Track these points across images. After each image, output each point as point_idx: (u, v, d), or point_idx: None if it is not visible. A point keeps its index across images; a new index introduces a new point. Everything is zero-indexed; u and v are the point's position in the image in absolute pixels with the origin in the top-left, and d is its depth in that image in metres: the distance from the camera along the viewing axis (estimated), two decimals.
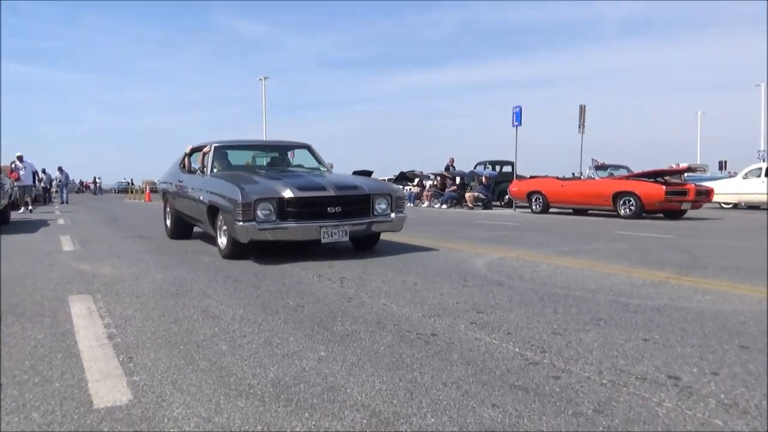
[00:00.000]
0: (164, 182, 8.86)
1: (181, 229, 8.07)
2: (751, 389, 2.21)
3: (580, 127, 17.09)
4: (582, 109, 17.07)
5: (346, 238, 5.87)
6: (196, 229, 7.84)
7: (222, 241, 6.07)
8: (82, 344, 2.89)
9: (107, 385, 2.31)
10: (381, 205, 6.15)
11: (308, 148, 7.95)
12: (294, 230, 5.65)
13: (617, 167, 15.39)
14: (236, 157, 7.87)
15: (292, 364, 2.55)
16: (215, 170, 6.90)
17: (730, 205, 16.76)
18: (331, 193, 5.84)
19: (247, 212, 5.47)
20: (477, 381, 2.32)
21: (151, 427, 1.93)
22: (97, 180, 56.30)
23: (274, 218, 5.61)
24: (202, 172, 7.03)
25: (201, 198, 6.58)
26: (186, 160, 7.97)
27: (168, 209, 8.51)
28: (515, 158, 17.75)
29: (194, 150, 7.83)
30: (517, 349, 2.74)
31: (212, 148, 7.16)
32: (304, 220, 5.70)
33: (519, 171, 17.86)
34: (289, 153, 8.20)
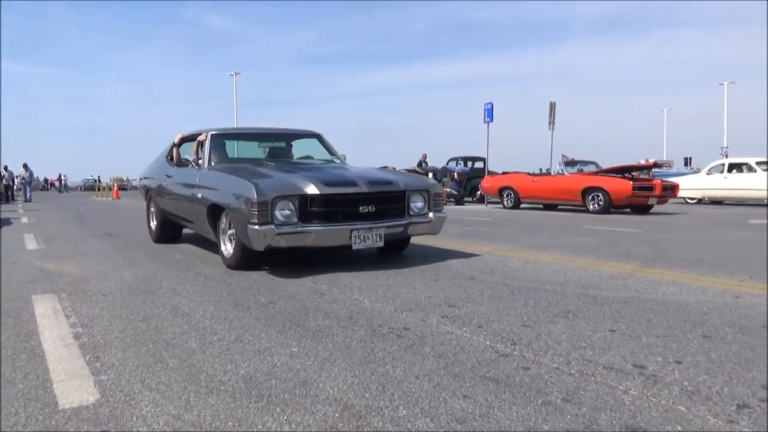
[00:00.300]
0: (147, 177, 7.76)
1: (169, 231, 7.10)
2: (713, 377, 2.28)
3: (550, 123, 17.32)
4: (552, 106, 17.31)
5: (381, 243, 4.96)
6: (185, 230, 7.11)
7: (227, 248, 5.12)
8: (46, 344, 2.82)
9: (73, 385, 2.26)
10: (417, 204, 5.30)
11: (318, 137, 6.91)
12: (320, 234, 4.69)
13: (586, 163, 15.69)
14: (235, 148, 6.82)
15: (263, 360, 2.54)
16: (213, 162, 5.91)
17: (695, 200, 17.20)
18: (363, 189, 4.90)
19: (263, 213, 4.51)
20: (448, 373, 2.34)
21: (119, 426, 1.90)
22: (63, 177, 54.94)
23: (296, 220, 4.67)
24: (197, 164, 6.01)
25: (198, 195, 5.61)
26: (175, 151, 6.90)
27: (152, 209, 7.41)
28: (487, 154, 17.93)
29: (185, 139, 6.89)
30: (488, 342, 2.77)
31: (209, 137, 6.13)
32: (332, 222, 4.79)
33: (491, 167, 18.06)
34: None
